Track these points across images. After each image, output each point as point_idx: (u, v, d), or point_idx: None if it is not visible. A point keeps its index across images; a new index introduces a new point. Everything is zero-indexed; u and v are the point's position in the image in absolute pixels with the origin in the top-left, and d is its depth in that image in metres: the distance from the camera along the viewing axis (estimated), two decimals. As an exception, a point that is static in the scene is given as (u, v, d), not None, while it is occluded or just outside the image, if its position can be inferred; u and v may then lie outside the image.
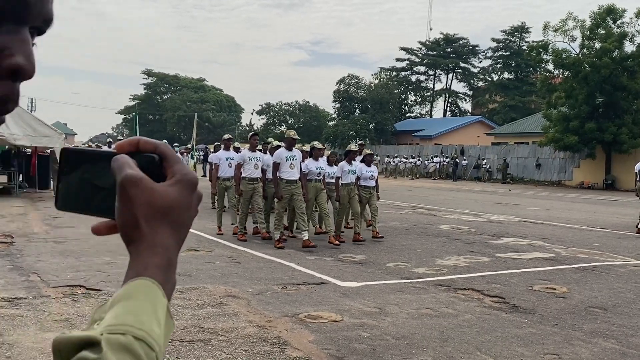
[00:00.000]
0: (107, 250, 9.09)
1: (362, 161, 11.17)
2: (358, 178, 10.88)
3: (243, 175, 10.24)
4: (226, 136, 11.80)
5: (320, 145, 10.82)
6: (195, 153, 19.17)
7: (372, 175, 11.13)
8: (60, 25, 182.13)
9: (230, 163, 10.96)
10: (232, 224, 11.05)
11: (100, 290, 6.49)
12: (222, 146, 11.78)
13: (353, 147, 11.23)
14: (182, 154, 19.91)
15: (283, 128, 75.16)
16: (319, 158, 10.67)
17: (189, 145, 20.24)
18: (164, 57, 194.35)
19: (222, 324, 5.36)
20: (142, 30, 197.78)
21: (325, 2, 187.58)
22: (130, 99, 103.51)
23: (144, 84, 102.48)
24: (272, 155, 10.58)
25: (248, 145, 10.68)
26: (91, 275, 7.28)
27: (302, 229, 9.79)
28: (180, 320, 5.43)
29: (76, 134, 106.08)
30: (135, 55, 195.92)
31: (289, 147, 10.02)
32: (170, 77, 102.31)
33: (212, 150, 19.17)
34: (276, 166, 9.90)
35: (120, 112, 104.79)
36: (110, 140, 22.26)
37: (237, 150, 12.73)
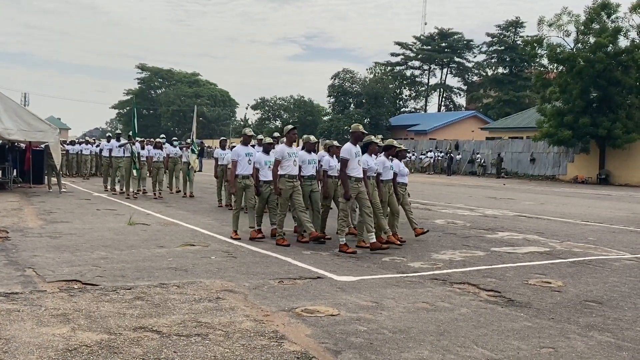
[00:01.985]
0: (102, 245, 9.08)
1: (395, 157, 10.48)
2: (395, 175, 10.40)
3: (282, 172, 9.60)
4: (248, 131, 10.82)
5: (377, 140, 10.12)
6: (197, 147, 18.91)
7: (407, 172, 10.89)
8: (53, 18, 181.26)
9: (249, 160, 10.27)
10: (250, 227, 10.20)
11: (97, 285, 6.48)
12: (241, 141, 10.79)
13: (396, 142, 10.61)
14: (181, 149, 19.49)
15: (278, 123, 75.14)
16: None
17: (189, 140, 19.93)
18: (158, 51, 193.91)
19: (219, 318, 5.37)
20: (136, 24, 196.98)
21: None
22: (124, 93, 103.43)
23: (138, 79, 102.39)
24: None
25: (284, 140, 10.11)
26: (87, 270, 7.27)
27: (370, 230, 9.21)
28: (177, 314, 5.43)
29: (70, 128, 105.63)
30: (129, 49, 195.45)
31: (355, 142, 9.30)
32: (164, 72, 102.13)
33: (217, 146, 18.99)
34: (346, 163, 9.07)
35: (114, 106, 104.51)
36: (119, 132, 21.62)
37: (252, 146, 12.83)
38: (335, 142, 11.09)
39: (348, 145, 9.23)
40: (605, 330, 5.36)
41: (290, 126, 10.11)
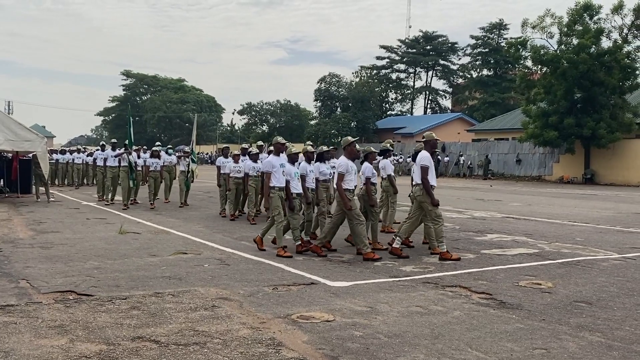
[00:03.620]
0: (94, 255, 9.09)
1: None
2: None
3: (346, 187, 9.22)
4: (281, 139, 10.12)
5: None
6: (196, 156, 18.26)
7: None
8: (36, 26, 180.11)
9: (284, 171, 9.56)
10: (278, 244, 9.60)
11: (92, 296, 6.50)
12: (273, 151, 10.23)
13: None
14: (179, 157, 18.73)
15: (265, 128, 75.16)
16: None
17: (187, 148, 19.32)
18: (143, 57, 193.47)
19: (216, 326, 5.41)
20: (120, 30, 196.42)
21: (303, 0, 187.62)
22: (109, 100, 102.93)
23: (123, 85, 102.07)
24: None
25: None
26: (81, 280, 7.29)
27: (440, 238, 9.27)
28: (174, 323, 5.47)
29: (55, 136, 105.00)
30: (113, 55, 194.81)
31: (430, 150, 9.41)
32: (149, 78, 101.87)
33: (219, 153, 18.78)
34: (427, 170, 9.12)
35: (100, 113, 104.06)
36: (115, 141, 20.44)
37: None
38: (372, 148, 10.87)
39: (426, 153, 9.31)
40: (595, 330, 5.47)
41: (350, 138, 9.70)
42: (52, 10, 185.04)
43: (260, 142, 15.86)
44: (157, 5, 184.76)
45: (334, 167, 10.72)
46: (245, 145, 16.11)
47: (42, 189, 19.27)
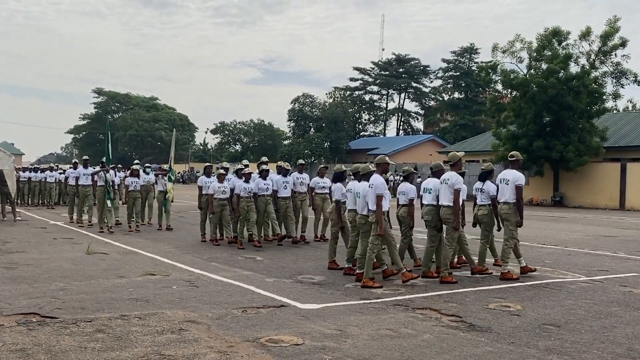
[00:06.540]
0: (60, 276, 8.90)
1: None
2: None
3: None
4: (387, 159, 9.32)
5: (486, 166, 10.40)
6: (174, 174, 17.31)
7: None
8: (6, 41, 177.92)
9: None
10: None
11: (56, 318, 6.35)
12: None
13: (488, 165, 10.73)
14: (157, 175, 17.67)
15: (238, 147, 75.01)
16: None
17: (165, 166, 18.33)
18: (115, 74, 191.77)
19: (182, 350, 5.32)
20: (91, 46, 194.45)
21: (277, 21, 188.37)
22: (80, 118, 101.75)
23: (94, 103, 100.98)
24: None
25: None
26: (46, 302, 7.12)
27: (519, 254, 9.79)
28: (140, 347, 5.36)
29: (24, 154, 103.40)
30: (84, 72, 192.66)
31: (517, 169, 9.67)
32: (121, 96, 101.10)
33: (200, 172, 18.25)
34: (521, 190, 9.50)
35: (70, 131, 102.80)
36: (87, 158, 18.70)
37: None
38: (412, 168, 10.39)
39: (520, 173, 9.51)
40: (563, 353, 5.49)
41: (459, 153, 9.65)
42: (22, 26, 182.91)
43: (245, 161, 15.32)
44: (130, 23, 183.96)
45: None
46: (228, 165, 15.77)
47: (8, 207, 18.89)
